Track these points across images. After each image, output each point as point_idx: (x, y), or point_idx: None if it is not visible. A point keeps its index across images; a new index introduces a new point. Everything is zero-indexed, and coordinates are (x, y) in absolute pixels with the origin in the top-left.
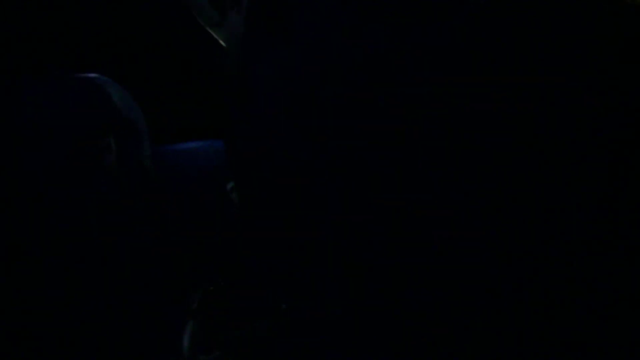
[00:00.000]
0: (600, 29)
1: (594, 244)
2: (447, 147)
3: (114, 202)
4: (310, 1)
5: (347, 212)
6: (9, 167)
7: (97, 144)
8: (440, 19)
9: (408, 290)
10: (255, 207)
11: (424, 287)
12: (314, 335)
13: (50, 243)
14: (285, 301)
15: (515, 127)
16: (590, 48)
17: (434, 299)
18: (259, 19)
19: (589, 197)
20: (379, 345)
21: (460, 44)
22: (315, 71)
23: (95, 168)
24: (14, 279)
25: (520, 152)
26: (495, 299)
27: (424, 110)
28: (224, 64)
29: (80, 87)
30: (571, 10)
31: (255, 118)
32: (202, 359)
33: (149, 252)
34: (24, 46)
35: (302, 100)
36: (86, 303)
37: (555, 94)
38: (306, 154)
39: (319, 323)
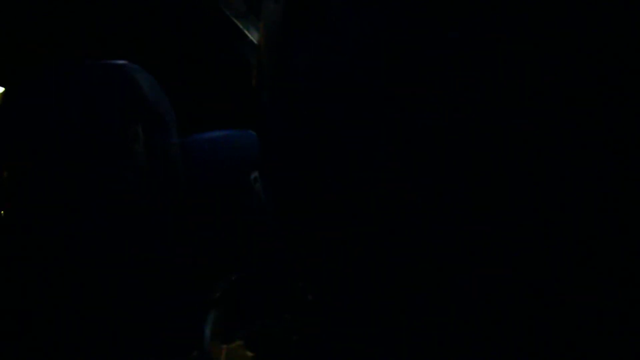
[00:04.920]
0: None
1: (593, 245)
2: (477, 146)
3: (141, 190)
4: None
5: (378, 207)
6: (38, 154)
7: (125, 132)
8: (475, 16)
9: (425, 290)
10: (285, 200)
11: (437, 288)
12: (337, 328)
13: (78, 229)
14: (312, 293)
15: (534, 127)
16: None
17: (446, 299)
18: (297, 9)
19: (589, 198)
20: (399, 341)
21: (492, 40)
22: (351, 62)
23: (124, 156)
24: (44, 259)
25: (537, 154)
26: (496, 301)
27: (454, 106)
28: (255, 55)
29: (110, 73)
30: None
31: (290, 109)
32: (223, 348)
33: (173, 240)
34: (55, 33)
35: (337, 91)
36: (111, 289)
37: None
38: (340, 147)
39: (342, 317)
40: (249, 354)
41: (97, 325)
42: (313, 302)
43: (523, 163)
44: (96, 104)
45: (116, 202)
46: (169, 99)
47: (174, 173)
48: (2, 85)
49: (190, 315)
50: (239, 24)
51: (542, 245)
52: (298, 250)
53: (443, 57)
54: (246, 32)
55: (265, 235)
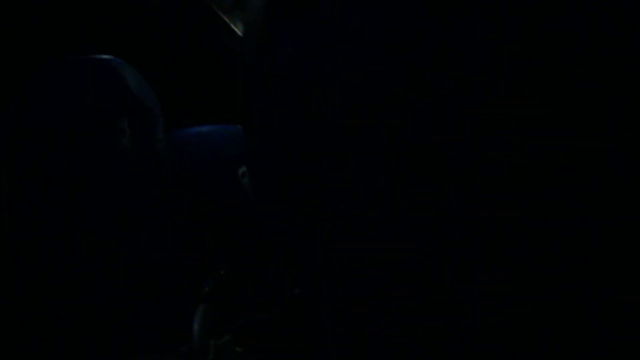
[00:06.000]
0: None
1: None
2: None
3: (127, 185)
4: None
5: (362, 200)
6: (25, 149)
7: (111, 127)
8: (463, 13)
9: (411, 283)
10: (271, 194)
11: (426, 282)
12: (324, 321)
13: (64, 225)
14: (298, 286)
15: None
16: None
17: (432, 293)
18: (281, 1)
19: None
20: (385, 335)
21: (479, 38)
22: (337, 53)
23: (110, 151)
24: (30, 255)
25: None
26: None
27: (452, 103)
28: (240, 49)
29: (95, 69)
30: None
31: (275, 101)
32: (212, 343)
33: (161, 235)
34: (41, 30)
35: (321, 82)
36: (98, 285)
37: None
38: (324, 138)
39: (328, 311)
40: (238, 349)
41: (86, 320)
42: (300, 296)
43: (522, 162)
44: (81, 99)
45: (103, 198)
46: (155, 94)
47: (161, 168)
48: None
49: (179, 310)
50: (226, 19)
51: (542, 245)
52: (284, 245)
53: (432, 53)
54: (234, 27)
55: (252, 230)
